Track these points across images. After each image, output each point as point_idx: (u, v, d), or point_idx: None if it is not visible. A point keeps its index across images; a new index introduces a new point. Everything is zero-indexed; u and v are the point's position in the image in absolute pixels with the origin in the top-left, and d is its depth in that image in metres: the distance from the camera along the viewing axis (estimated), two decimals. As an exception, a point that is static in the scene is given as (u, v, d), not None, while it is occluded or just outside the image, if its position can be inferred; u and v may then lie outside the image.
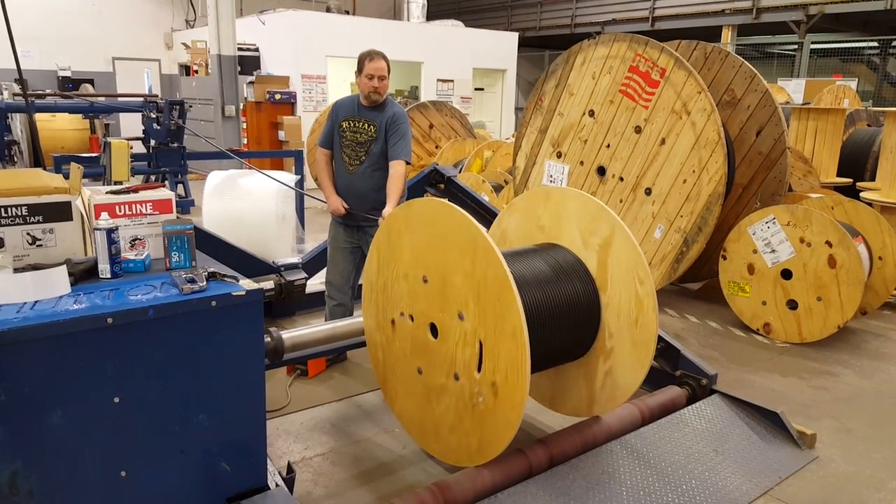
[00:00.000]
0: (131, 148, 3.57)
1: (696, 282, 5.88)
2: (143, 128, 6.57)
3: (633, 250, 2.74)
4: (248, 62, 12.04)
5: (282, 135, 10.56)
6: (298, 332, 2.99)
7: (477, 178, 7.04)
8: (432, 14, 16.27)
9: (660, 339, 3.63)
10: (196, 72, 12.29)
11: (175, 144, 6.29)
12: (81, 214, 2.27)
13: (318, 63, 11.88)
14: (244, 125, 10.96)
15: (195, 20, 16.15)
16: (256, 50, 12.20)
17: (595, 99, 5.41)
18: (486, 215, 4.52)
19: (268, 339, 2.85)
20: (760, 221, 4.68)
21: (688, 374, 3.53)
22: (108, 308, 1.85)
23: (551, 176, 5.91)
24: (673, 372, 3.59)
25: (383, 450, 3.10)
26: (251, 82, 10.88)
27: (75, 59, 14.59)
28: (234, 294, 1.98)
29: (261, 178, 5.72)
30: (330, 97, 11.26)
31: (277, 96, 10.60)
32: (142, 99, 6.73)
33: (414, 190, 4.96)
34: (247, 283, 2.04)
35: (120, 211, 2.23)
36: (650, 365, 2.72)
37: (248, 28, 12.47)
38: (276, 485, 2.13)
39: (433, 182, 4.89)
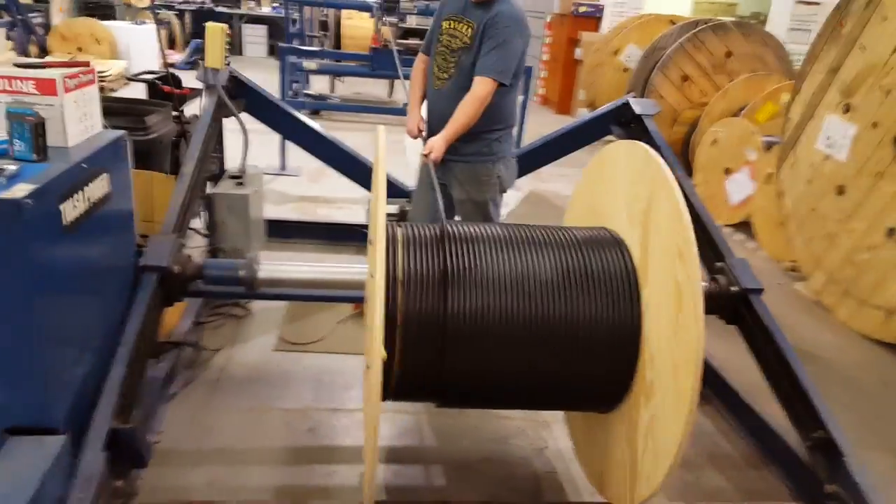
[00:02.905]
0: (228, 34, 3.41)
1: None
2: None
3: (692, 262, 1.56)
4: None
5: (578, 53, 9.61)
6: (280, 266, 2.51)
7: (747, 128, 5.34)
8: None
9: (820, 424, 2.21)
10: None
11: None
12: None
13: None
14: (547, 40, 10.34)
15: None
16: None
17: (920, 25, 3.40)
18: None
19: (241, 268, 2.48)
20: None
21: (841, 497, 2.08)
22: None
23: (829, 138, 4.08)
24: (824, 482, 2.17)
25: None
26: (564, -8, 10.04)
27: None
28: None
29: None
30: (646, 9, 9.71)
31: (582, 8, 9.59)
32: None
33: (594, 126, 3.96)
34: (11, 192, 1.61)
35: (-6, 84, 1.96)
36: (693, 409, 1.58)
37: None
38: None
39: (620, 121, 3.76)
